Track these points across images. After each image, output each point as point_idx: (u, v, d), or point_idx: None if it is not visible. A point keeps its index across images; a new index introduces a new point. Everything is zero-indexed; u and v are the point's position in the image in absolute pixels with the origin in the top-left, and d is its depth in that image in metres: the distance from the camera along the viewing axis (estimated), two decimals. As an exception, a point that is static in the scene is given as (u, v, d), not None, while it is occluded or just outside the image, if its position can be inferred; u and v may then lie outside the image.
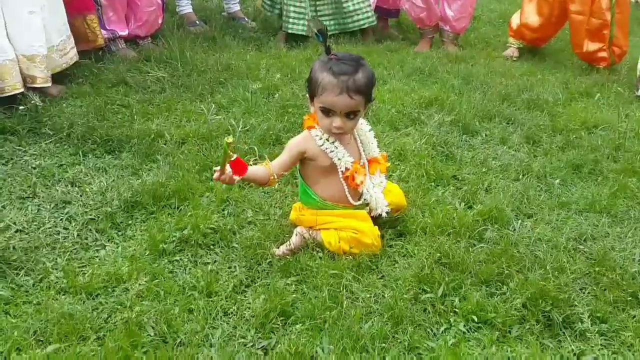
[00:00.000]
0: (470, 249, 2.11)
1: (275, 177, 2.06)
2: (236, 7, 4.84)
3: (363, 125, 2.22)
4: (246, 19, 4.78)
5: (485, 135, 3.08)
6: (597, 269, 2.04)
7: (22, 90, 2.94)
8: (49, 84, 3.09)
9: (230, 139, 1.83)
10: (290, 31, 4.36)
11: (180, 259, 2.05)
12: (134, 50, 3.90)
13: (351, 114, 2.04)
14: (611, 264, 2.06)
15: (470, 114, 3.23)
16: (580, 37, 4.14)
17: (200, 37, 4.20)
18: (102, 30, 3.75)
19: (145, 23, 3.99)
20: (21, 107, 2.88)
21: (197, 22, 4.57)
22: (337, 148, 2.10)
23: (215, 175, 1.92)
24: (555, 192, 2.56)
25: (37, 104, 2.90)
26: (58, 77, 3.26)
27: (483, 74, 3.90)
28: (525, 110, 3.38)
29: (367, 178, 2.15)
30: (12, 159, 2.57)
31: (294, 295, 1.87)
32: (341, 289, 1.89)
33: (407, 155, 2.76)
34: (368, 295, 1.89)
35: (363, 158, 2.21)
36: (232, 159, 1.89)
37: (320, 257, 2.05)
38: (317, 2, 4.41)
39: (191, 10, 4.64)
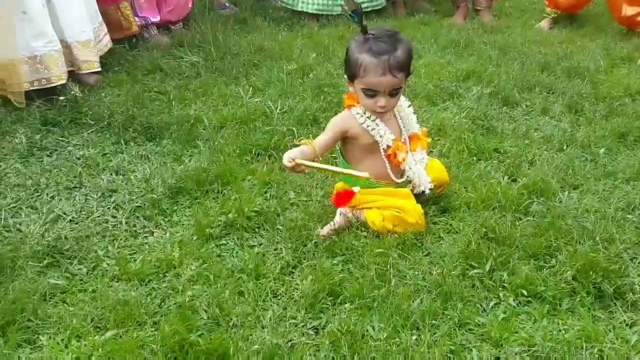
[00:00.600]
0: (517, 222, 2.09)
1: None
2: None
3: (402, 101, 2.20)
4: (228, 4, 4.67)
5: (526, 106, 3.03)
6: (647, 238, 2.01)
7: (65, 81, 2.98)
8: (100, 69, 3.16)
9: (366, 175, 1.96)
10: (300, 9, 4.32)
11: (227, 242, 2.08)
12: (166, 36, 3.92)
13: (394, 92, 2.04)
14: (662, 232, 2.03)
15: (510, 85, 3.18)
16: (617, 0, 4.01)
17: (231, 19, 4.21)
18: (135, 18, 3.78)
19: (176, 8, 4.00)
20: (61, 98, 2.92)
21: (227, 4, 4.57)
22: (378, 125, 2.09)
23: (288, 163, 1.94)
24: (600, 161, 2.51)
25: (77, 94, 2.94)
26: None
27: (520, 44, 3.82)
28: (565, 79, 3.31)
29: (409, 155, 2.14)
30: (56, 149, 2.63)
31: (342, 275, 1.88)
32: (388, 267, 1.89)
33: (447, 130, 2.73)
34: (415, 273, 1.89)
35: (404, 134, 2.20)
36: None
37: (364, 237, 2.06)
38: None
39: (221, -8, 4.64)
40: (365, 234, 2.08)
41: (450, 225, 2.12)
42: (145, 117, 2.81)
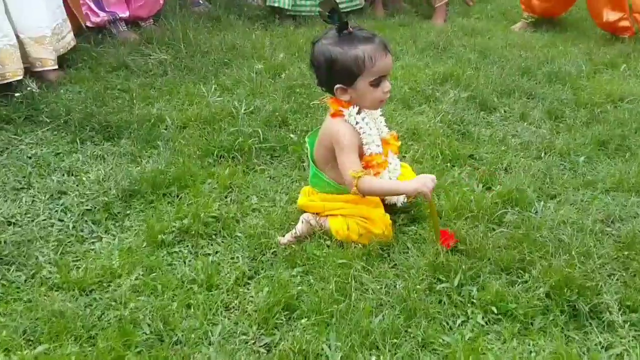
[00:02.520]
0: (489, 233, 1.97)
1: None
2: None
3: None
4: (202, 1, 4.50)
5: (504, 111, 2.91)
6: (626, 253, 1.90)
7: (21, 77, 2.83)
8: (56, 67, 3.01)
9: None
10: (269, 3, 4.19)
11: (180, 250, 1.94)
12: (135, 33, 3.77)
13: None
14: (642, 247, 1.91)
15: (488, 89, 3.07)
16: (598, 6, 3.90)
17: (203, 17, 4.06)
18: (101, 12, 3.63)
19: (146, 3, 3.85)
20: (17, 94, 2.77)
21: (201, 1, 4.42)
22: (370, 130, 1.94)
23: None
24: (580, 170, 2.40)
25: (34, 90, 2.78)
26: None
27: (501, 47, 3.72)
28: (546, 84, 3.20)
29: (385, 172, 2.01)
30: (7, 148, 2.47)
31: (300, 288, 1.75)
32: (350, 280, 1.76)
33: (421, 135, 2.61)
34: (379, 287, 1.76)
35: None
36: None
37: (327, 246, 1.93)
38: None
39: (194, -12, 4.50)
40: (328, 243, 1.95)
41: (420, 235, 1.99)
42: (104, 115, 2.66)
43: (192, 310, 1.68)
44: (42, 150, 2.45)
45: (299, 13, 4.23)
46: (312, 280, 1.78)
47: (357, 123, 1.92)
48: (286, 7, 4.15)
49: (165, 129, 2.61)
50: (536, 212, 2.10)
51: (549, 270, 1.76)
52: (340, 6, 4.18)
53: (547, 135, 2.67)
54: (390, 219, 1.99)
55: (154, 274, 1.80)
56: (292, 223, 2.02)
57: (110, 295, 1.72)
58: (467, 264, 1.82)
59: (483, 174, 2.32)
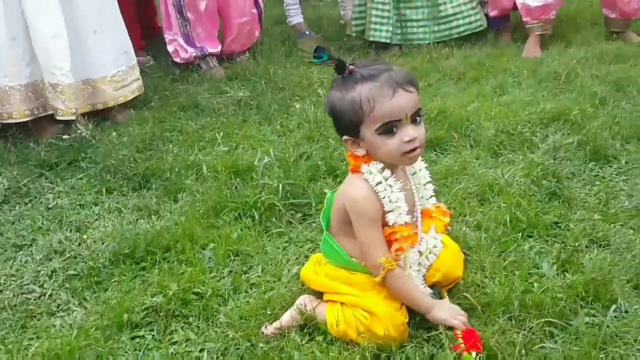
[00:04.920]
0: (544, 344, 1.40)
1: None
2: (298, 19, 4.35)
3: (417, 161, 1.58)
4: (309, 32, 4.24)
5: (625, 162, 2.24)
6: None
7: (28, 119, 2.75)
8: (73, 118, 2.77)
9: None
10: (372, 39, 3.76)
11: (145, 335, 1.61)
12: (224, 69, 3.58)
13: (416, 116, 1.43)
14: None
15: (608, 132, 2.40)
16: None
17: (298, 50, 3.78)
18: (190, 48, 3.50)
19: (239, 37, 3.66)
20: (65, 137, 2.66)
21: (307, 32, 4.16)
22: (393, 193, 1.47)
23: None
24: None
25: (83, 133, 2.65)
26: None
27: (647, 77, 2.97)
28: (694, 125, 2.45)
29: (414, 251, 1.53)
30: (36, 197, 2.34)
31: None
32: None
33: (495, 192, 2.05)
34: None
35: (417, 209, 1.58)
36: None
37: (320, 342, 1.49)
38: (404, 5, 3.75)
39: (301, 20, 4.25)
40: (320, 338, 1.51)
41: (439, 341, 1.47)
42: (142, 162, 2.44)
43: None
44: (64, 200, 2.28)
45: (409, 42, 3.80)
46: (271, 397, 1.36)
47: (378, 184, 1.46)
48: (388, 41, 3.74)
49: (196, 179, 2.32)
50: (619, 315, 1.48)
51: None
52: (459, 29, 3.77)
53: (678, 197, 1.98)
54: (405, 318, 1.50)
55: (94, 368, 1.49)
56: (291, 306, 1.61)
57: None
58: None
59: (560, 253, 1.73)
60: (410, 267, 1.51)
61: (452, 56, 3.54)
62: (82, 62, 2.80)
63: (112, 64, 2.92)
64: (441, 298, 1.58)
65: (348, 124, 1.45)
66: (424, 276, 1.56)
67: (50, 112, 2.76)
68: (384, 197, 1.46)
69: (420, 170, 1.60)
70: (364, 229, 1.47)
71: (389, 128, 1.41)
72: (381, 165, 1.47)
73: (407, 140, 1.41)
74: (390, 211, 1.47)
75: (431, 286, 1.57)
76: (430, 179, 1.61)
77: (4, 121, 2.75)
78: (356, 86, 1.41)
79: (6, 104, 2.71)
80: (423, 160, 1.59)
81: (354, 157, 1.50)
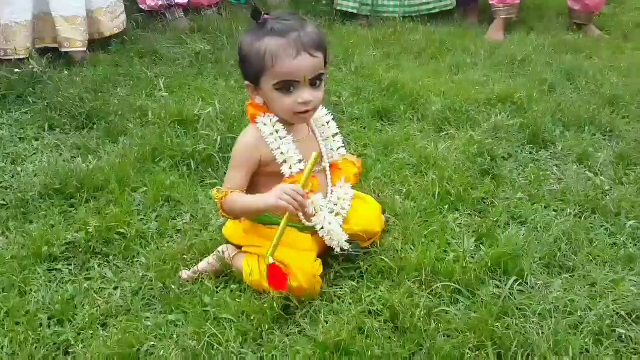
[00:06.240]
0: (445, 311, 1.45)
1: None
2: None
3: (322, 112, 1.64)
4: None
5: (561, 148, 2.29)
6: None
7: (25, 56, 2.71)
8: (85, 48, 2.91)
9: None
10: (339, 8, 3.77)
11: (62, 269, 1.62)
12: (189, 21, 3.54)
13: (316, 80, 1.49)
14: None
15: (551, 118, 2.45)
16: None
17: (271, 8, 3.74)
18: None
19: (208, -10, 3.62)
20: (16, 71, 2.63)
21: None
22: (283, 145, 1.53)
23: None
24: (622, 238, 1.77)
25: (35, 69, 2.62)
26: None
27: (597, 70, 3.02)
28: (634, 120, 2.51)
29: (317, 195, 1.57)
30: (-24, 127, 2.32)
31: (152, 344, 1.36)
32: (221, 348, 1.34)
33: (430, 166, 2.09)
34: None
35: (325, 160, 1.64)
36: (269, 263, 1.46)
37: (233, 291, 1.52)
38: None
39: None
40: (236, 286, 1.54)
41: (347, 295, 1.52)
42: (89, 103, 2.42)
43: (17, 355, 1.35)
44: (5, 132, 2.27)
45: (378, 14, 3.79)
46: (176, 335, 1.39)
47: (270, 134, 1.52)
48: (355, 12, 3.74)
49: (141, 125, 2.31)
50: (532, 288, 1.54)
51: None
52: (428, 6, 3.77)
53: (605, 186, 2.04)
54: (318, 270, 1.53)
55: (4, 294, 1.50)
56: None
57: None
58: (383, 348, 1.33)
59: (481, 226, 1.78)
60: (321, 210, 1.56)
61: (417, 31, 3.56)
62: None
63: None
64: (359, 252, 1.63)
65: (251, 72, 1.50)
66: (342, 227, 1.60)
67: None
68: (276, 148, 1.52)
69: (328, 123, 1.66)
70: (230, 168, 1.57)
71: (286, 86, 1.47)
72: (276, 118, 1.53)
73: (301, 102, 1.47)
74: (284, 162, 1.53)
75: (350, 242, 1.61)
76: (338, 131, 1.67)
77: (9, 57, 2.76)
78: (265, 38, 1.45)
79: (11, 40, 2.75)
80: (330, 113, 1.66)
81: (253, 106, 1.56)
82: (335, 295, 1.53)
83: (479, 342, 1.34)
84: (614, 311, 1.47)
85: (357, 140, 2.28)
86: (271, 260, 1.44)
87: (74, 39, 2.90)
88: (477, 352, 1.32)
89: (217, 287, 1.54)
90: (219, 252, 1.61)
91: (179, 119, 2.31)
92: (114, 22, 3.11)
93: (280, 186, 1.45)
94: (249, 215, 1.55)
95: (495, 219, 1.81)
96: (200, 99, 2.52)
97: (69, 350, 1.37)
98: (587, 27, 3.67)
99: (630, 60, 3.23)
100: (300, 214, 1.52)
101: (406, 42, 3.39)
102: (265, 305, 1.44)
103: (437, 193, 1.93)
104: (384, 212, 1.80)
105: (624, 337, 1.41)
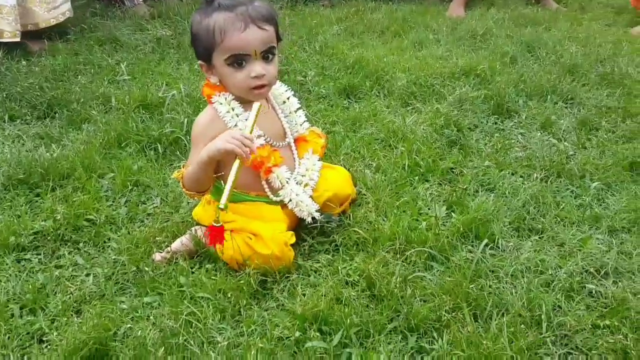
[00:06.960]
0: (421, 277, 1.47)
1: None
2: None
3: (281, 89, 1.65)
4: None
5: (525, 117, 2.32)
6: (606, 322, 1.33)
7: None
8: (18, 39, 2.75)
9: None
10: None
11: (32, 258, 1.59)
12: (149, 7, 3.49)
13: (268, 54, 1.50)
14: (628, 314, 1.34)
15: (513, 89, 2.48)
16: None
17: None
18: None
19: (169, -26, 3.56)
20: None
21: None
22: (240, 122, 1.52)
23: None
24: (587, 199, 1.81)
25: (-11, 60, 2.55)
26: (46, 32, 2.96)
27: (556, 41, 3.07)
28: (594, 87, 2.56)
29: (281, 168, 1.57)
30: None
31: (129, 326, 1.35)
32: (200, 325, 1.34)
33: (399, 139, 2.11)
34: (229, 335, 1.32)
35: (288, 135, 1.64)
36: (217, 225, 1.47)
37: (206, 270, 1.51)
38: None
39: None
40: (211, 265, 1.53)
41: (323, 268, 1.52)
42: (49, 92, 2.37)
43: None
44: (-38, 125, 2.21)
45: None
46: (152, 316, 1.38)
47: (226, 113, 1.53)
48: None
49: (104, 111, 2.28)
50: (502, 251, 1.56)
51: (461, 339, 1.25)
52: None
53: (569, 151, 2.08)
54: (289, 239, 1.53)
55: (-26, 286, 1.47)
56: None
57: None
58: (361, 316, 1.34)
59: (451, 195, 1.80)
60: (287, 183, 1.57)
61: (379, 10, 3.57)
62: None
63: None
64: (331, 221, 1.63)
65: (202, 49, 1.51)
66: (312, 197, 1.61)
67: None
68: (232, 126, 1.52)
69: (289, 99, 1.67)
70: (192, 148, 1.56)
71: (237, 61, 1.48)
72: (232, 96, 1.53)
73: (254, 76, 1.48)
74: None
75: (321, 212, 1.62)
76: (300, 105, 1.68)
77: None
78: (213, 14, 1.47)
79: None
80: (289, 89, 1.67)
81: (209, 86, 1.57)
82: (311, 269, 1.54)
83: (454, 304, 1.36)
84: (583, 268, 1.51)
85: (325, 118, 2.27)
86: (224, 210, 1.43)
87: (2, 29, 2.73)
88: (454, 314, 1.34)
89: (192, 267, 1.53)
90: (191, 231, 1.60)
91: (143, 103, 2.28)
92: (50, 12, 2.93)
93: (227, 131, 1.47)
94: (206, 174, 1.51)
95: (464, 187, 1.83)
96: (164, 83, 2.49)
97: (44, 339, 1.35)
98: (545, 0, 3.72)
99: (587, 30, 3.30)
100: (266, 187, 1.55)
101: (369, 20, 3.40)
102: (242, 282, 1.44)
103: (406, 165, 1.94)
104: (355, 185, 1.81)
105: (594, 292, 1.44)
